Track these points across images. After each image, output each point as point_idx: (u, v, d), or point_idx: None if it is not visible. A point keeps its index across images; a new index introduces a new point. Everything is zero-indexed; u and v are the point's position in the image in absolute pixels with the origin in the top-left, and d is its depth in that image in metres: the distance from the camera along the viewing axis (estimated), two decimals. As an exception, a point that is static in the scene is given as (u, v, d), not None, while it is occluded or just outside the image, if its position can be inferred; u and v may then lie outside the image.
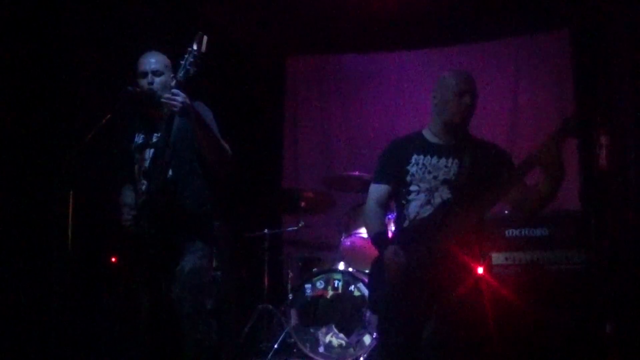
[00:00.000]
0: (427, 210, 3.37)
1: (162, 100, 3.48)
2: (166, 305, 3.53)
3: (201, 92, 3.78)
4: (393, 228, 5.28)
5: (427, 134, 3.57)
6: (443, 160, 3.43)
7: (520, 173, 3.18)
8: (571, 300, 4.51)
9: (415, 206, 3.41)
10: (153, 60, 3.77)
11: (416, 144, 3.54)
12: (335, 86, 7.60)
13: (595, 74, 6.04)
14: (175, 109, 3.41)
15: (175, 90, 3.43)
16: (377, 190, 3.63)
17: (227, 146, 3.66)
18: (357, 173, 5.82)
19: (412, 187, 3.44)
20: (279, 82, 7.78)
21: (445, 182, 3.38)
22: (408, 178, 3.46)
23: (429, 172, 3.42)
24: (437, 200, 3.36)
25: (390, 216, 5.35)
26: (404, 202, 3.48)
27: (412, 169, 3.46)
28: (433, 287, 3.22)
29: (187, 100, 3.43)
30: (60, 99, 5.15)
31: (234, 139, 3.75)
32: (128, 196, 3.80)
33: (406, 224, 3.45)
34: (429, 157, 3.46)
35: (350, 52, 7.53)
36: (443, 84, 3.50)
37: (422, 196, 3.40)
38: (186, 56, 3.51)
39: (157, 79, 3.73)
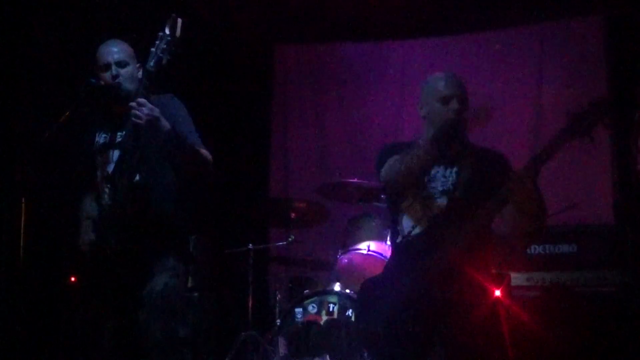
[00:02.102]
0: (423, 225, 3.40)
1: (130, 106, 3.44)
2: (133, 332, 3.51)
3: (175, 87, 3.77)
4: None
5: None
6: (441, 170, 3.47)
7: (493, 210, 3.19)
8: (603, 327, 4.51)
9: (409, 218, 3.46)
10: (116, 50, 3.75)
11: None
12: (331, 79, 7.59)
13: (633, 67, 6.06)
14: (139, 121, 3.39)
15: (140, 100, 3.41)
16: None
17: (206, 153, 3.66)
18: (356, 180, 5.81)
19: (407, 200, 3.48)
20: (266, 74, 7.78)
21: (443, 193, 3.42)
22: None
23: (426, 183, 3.46)
24: (433, 210, 3.40)
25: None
26: (397, 216, 3.53)
27: None
28: (435, 313, 3.22)
29: (155, 112, 3.41)
30: (12, 93, 5.13)
31: (215, 141, 3.75)
32: (89, 207, 3.78)
33: (399, 239, 3.49)
34: None
35: (348, 40, 7.52)
36: (427, 91, 3.53)
37: (417, 207, 3.44)
38: (157, 42, 3.48)
39: (123, 71, 3.71)
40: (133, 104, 3.41)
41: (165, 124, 3.46)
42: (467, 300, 3.22)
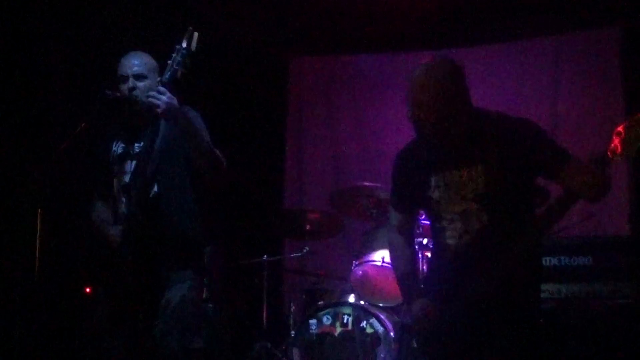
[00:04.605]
0: (467, 240, 3.20)
1: (147, 99, 3.47)
2: (147, 343, 3.51)
3: (191, 97, 3.78)
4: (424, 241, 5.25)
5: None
6: (466, 172, 3.19)
7: (561, 210, 3.08)
8: (620, 340, 4.47)
9: (453, 236, 3.24)
10: (136, 62, 3.76)
11: (429, 156, 3.30)
12: (345, 91, 7.61)
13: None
14: (158, 110, 3.40)
15: (161, 88, 3.43)
16: (395, 217, 3.56)
17: (220, 155, 3.66)
18: (368, 183, 5.79)
19: (443, 214, 3.26)
20: (281, 86, 7.80)
21: (476, 199, 3.17)
22: (434, 207, 3.28)
23: (455, 193, 3.21)
24: (475, 225, 3.18)
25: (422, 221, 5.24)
26: (438, 225, 3.31)
27: (435, 194, 3.27)
28: (479, 340, 3.09)
29: (174, 101, 3.43)
30: (28, 104, 5.16)
31: (230, 152, 3.75)
32: (104, 214, 3.80)
33: (447, 255, 3.27)
34: (447, 172, 3.23)
35: (362, 52, 7.54)
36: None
37: (458, 225, 3.22)
38: (174, 55, 3.51)
39: (140, 84, 3.71)
40: (153, 92, 3.43)
41: (184, 116, 3.48)
42: (509, 325, 3.09)
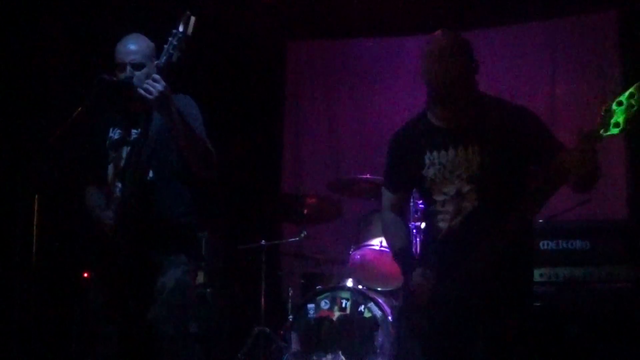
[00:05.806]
0: (459, 223, 3.20)
1: (139, 89, 3.38)
2: (142, 328, 3.50)
3: (188, 84, 3.74)
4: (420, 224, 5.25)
5: (432, 116, 3.37)
6: (461, 151, 3.19)
7: (550, 188, 2.99)
8: (617, 324, 4.48)
9: (445, 219, 3.24)
10: (133, 49, 3.68)
11: (424, 135, 3.33)
12: (343, 75, 7.59)
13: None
14: (150, 97, 3.30)
15: (155, 76, 3.33)
16: (388, 197, 3.59)
17: (212, 149, 3.62)
18: (368, 176, 5.79)
19: (437, 196, 3.27)
20: (278, 70, 7.77)
21: (470, 179, 3.17)
22: (427, 184, 3.29)
23: (450, 172, 3.22)
24: (466, 208, 3.19)
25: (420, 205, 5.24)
26: (431, 208, 3.32)
27: (429, 172, 3.27)
28: (476, 318, 3.10)
29: (167, 91, 3.33)
30: (24, 89, 5.14)
31: (227, 137, 3.73)
32: (97, 198, 3.77)
33: (439, 237, 3.28)
34: (443, 151, 3.24)
35: (360, 36, 7.51)
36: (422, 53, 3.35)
37: (450, 207, 3.22)
38: (170, 39, 3.45)
39: (138, 73, 3.64)
40: (148, 80, 3.33)
41: (176, 109, 3.40)
42: (503, 304, 3.10)
